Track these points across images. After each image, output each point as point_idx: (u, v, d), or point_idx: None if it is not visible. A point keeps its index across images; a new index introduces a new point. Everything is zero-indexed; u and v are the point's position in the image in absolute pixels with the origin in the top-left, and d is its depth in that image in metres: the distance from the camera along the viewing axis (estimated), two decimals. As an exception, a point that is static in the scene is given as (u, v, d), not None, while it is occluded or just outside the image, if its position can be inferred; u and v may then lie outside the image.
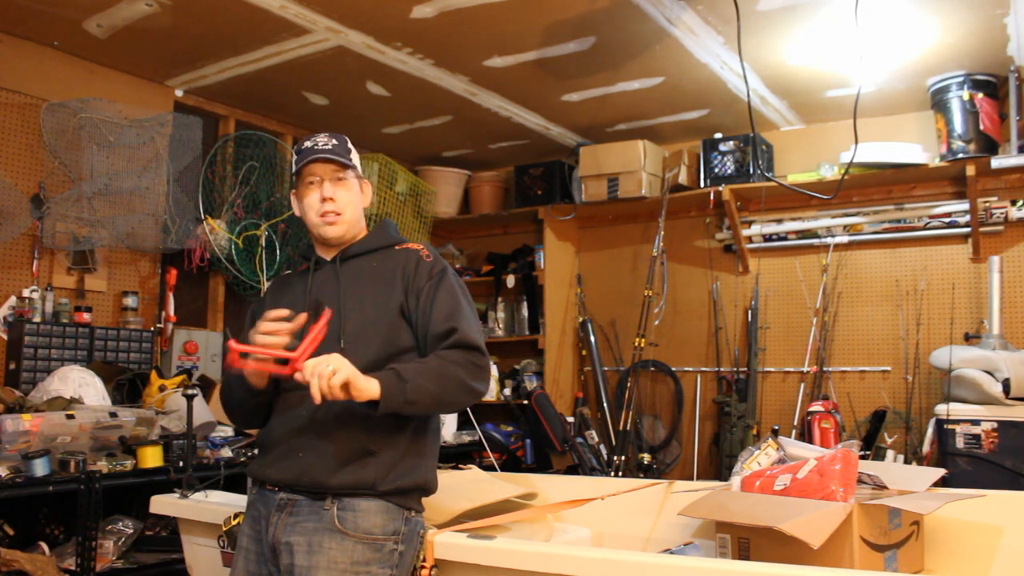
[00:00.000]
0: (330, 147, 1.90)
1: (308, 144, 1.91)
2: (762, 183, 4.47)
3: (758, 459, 2.43)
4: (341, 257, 1.93)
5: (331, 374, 1.59)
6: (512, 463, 4.70)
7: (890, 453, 4.17)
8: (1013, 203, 4.16)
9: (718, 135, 4.75)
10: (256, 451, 2.10)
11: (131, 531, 3.09)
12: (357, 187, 1.95)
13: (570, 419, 4.88)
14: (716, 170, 4.68)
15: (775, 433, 3.69)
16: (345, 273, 1.90)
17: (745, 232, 4.80)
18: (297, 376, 1.63)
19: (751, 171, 4.57)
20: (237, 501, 2.36)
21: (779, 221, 4.75)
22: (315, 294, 1.89)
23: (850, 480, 2.02)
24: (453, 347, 1.76)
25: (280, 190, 4.53)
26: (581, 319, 5.26)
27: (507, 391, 5.20)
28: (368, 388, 1.64)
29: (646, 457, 4.70)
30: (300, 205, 1.94)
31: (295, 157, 1.93)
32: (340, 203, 1.89)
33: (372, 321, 1.82)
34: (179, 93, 4.15)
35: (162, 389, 3.47)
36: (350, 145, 1.95)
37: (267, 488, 1.81)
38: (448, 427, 4.57)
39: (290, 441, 1.78)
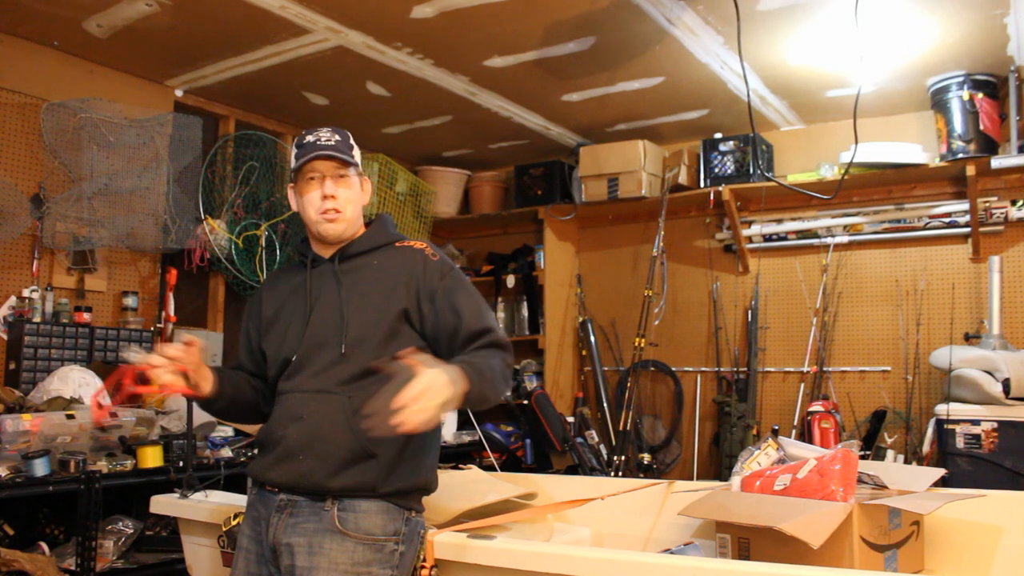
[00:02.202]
0: (332, 143, 1.87)
1: (310, 139, 1.87)
2: (762, 183, 4.47)
3: (758, 459, 2.43)
4: (340, 256, 1.91)
5: (424, 412, 1.49)
6: (512, 463, 4.70)
7: (890, 453, 4.17)
8: (1013, 203, 4.16)
9: (718, 135, 4.74)
10: (256, 451, 2.09)
11: (131, 531, 3.09)
12: (358, 184, 1.92)
13: (570, 419, 4.88)
14: (716, 170, 4.68)
15: (775, 433, 3.70)
16: (345, 273, 1.88)
17: (745, 232, 4.80)
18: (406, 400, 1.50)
19: (751, 171, 4.57)
20: (237, 501, 2.36)
21: (779, 221, 4.75)
22: (315, 294, 1.89)
23: (850, 480, 2.02)
24: (489, 346, 1.77)
25: (280, 190, 4.53)
26: (581, 319, 5.26)
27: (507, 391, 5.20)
28: (456, 397, 1.58)
29: (646, 457, 4.70)
30: (299, 201, 1.91)
31: (295, 151, 1.89)
32: (341, 201, 1.86)
33: (372, 323, 1.81)
34: (179, 93, 4.15)
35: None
36: (352, 141, 1.92)
37: (267, 489, 1.81)
38: (448, 427, 4.57)
39: (289, 443, 1.77)
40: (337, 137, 1.89)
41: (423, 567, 1.79)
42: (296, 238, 4.53)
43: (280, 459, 1.78)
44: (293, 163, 1.90)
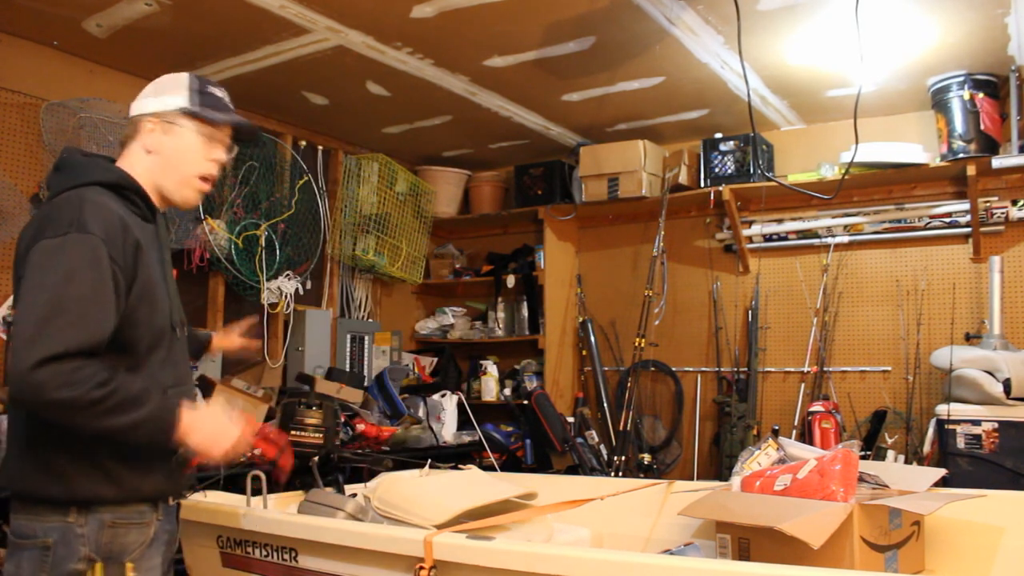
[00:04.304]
0: (246, 122, 1.82)
1: (218, 93, 1.79)
2: (762, 183, 4.47)
3: (758, 459, 2.43)
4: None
5: None
6: (512, 463, 4.70)
7: (891, 453, 4.16)
8: (1014, 203, 4.15)
9: (718, 135, 4.74)
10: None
11: (131, 531, 3.08)
12: None
13: (570, 419, 4.88)
14: (716, 170, 4.68)
15: (775, 433, 3.69)
16: (165, 247, 1.82)
17: (745, 232, 4.79)
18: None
19: (751, 171, 4.56)
20: (237, 501, 2.36)
21: (779, 221, 4.75)
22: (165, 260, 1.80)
23: (850, 480, 2.02)
24: None
25: (280, 190, 4.53)
26: (581, 319, 5.26)
27: (507, 391, 5.20)
28: None
29: (646, 457, 4.70)
30: (172, 146, 1.73)
31: (197, 96, 1.75)
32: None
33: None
34: (179, 93, 4.14)
35: (162, 389, 3.46)
36: None
37: (170, 503, 1.76)
38: (448, 427, 4.58)
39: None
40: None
41: (422, 568, 1.79)
42: (296, 239, 4.53)
43: (181, 464, 1.72)
44: (187, 104, 1.74)
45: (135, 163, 1.73)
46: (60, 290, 1.47)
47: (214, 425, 1.63)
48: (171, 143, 1.72)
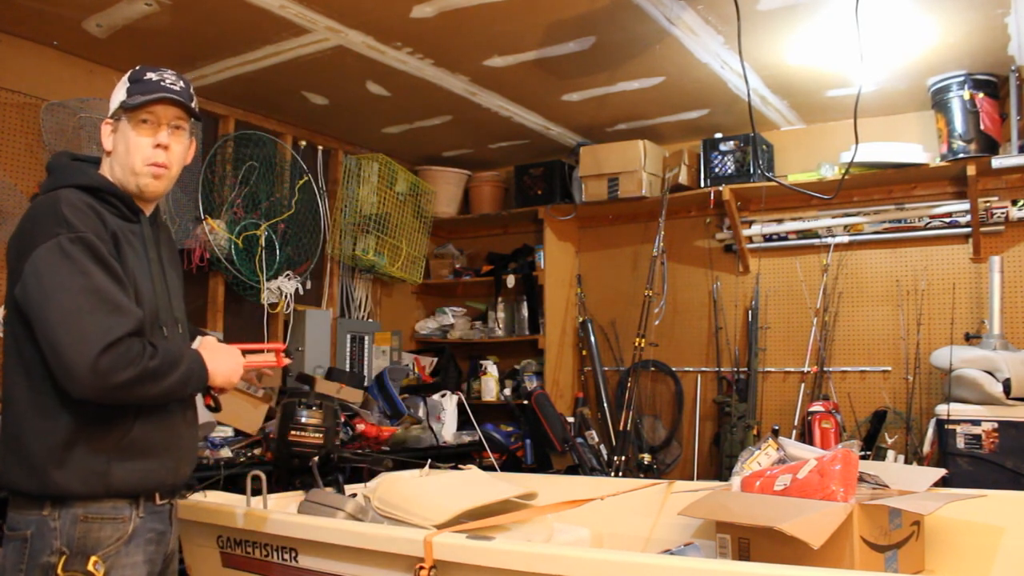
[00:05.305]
0: (178, 89, 1.75)
1: (152, 76, 1.74)
2: (762, 183, 4.47)
3: (758, 459, 2.43)
4: (150, 220, 1.80)
5: None
6: (512, 463, 4.70)
7: (891, 453, 4.16)
8: (1014, 203, 4.15)
9: (718, 135, 4.74)
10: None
11: (131, 531, 3.08)
12: (187, 142, 1.81)
13: (570, 419, 4.88)
14: (716, 170, 4.68)
15: (775, 433, 3.69)
16: (163, 243, 1.84)
17: (745, 232, 4.79)
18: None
19: (751, 171, 4.56)
20: (236, 501, 2.36)
21: (779, 221, 4.75)
22: (155, 258, 1.80)
23: (850, 480, 2.02)
24: None
25: (280, 190, 4.53)
26: (581, 319, 5.26)
27: (507, 391, 5.20)
28: None
29: (646, 457, 4.70)
30: (121, 142, 1.73)
31: (130, 85, 1.74)
32: (171, 155, 1.74)
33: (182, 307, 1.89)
34: (179, 93, 4.13)
35: (162, 389, 3.45)
36: (193, 91, 1.82)
37: (158, 503, 1.74)
38: (448, 427, 4.58)
39: (186, 440, 1.81)
40: (182, 83, 1.77)
41: (422, 568, 1.79)
42: (296, 239, 4.53)
43: (181, 460, 1.77)
44: (124, 97, 1.73)
45: (104, 167, 1.78)
46: (86, 285, 1.53)
47: (223, 355, 1.75)
48: (118, 140, 1.74)
